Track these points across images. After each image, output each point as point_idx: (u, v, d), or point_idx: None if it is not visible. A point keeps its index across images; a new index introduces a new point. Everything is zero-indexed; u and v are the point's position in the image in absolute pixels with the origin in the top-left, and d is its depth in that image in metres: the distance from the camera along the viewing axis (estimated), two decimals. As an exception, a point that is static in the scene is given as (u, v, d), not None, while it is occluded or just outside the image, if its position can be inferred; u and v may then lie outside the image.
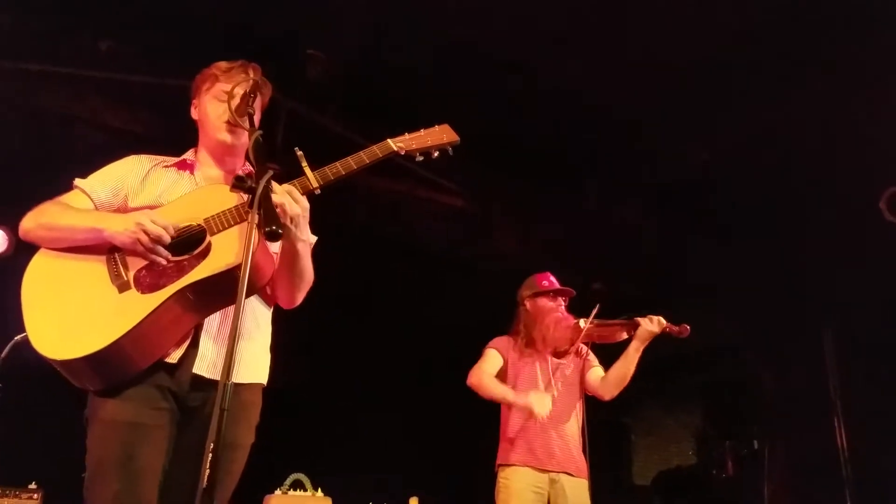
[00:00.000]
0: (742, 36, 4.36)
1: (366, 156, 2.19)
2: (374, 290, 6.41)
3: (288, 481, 4.89)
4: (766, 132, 5.16)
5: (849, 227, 5.61)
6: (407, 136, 2.28)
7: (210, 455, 1.67)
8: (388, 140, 2.24)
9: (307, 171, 2.12)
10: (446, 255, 6.04)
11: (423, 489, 6.33)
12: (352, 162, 2.17)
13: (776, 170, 5.44)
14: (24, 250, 2.22)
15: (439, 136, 2.32)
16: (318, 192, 2.12)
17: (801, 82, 4.69)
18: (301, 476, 4.92)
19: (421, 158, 2.30)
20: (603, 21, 4.37)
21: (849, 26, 4.20)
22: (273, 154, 2.05)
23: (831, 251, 5.85)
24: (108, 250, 2.12)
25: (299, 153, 2.14)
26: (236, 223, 2.09)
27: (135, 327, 1.97)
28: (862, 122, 4.88)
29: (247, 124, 2.15)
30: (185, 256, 2.06)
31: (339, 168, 2.16)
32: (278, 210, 1.95)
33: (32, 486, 4.56)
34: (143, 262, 2.08)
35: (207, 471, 1.67)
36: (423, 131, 2.32)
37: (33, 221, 2.19)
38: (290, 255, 2.17)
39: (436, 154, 2.32)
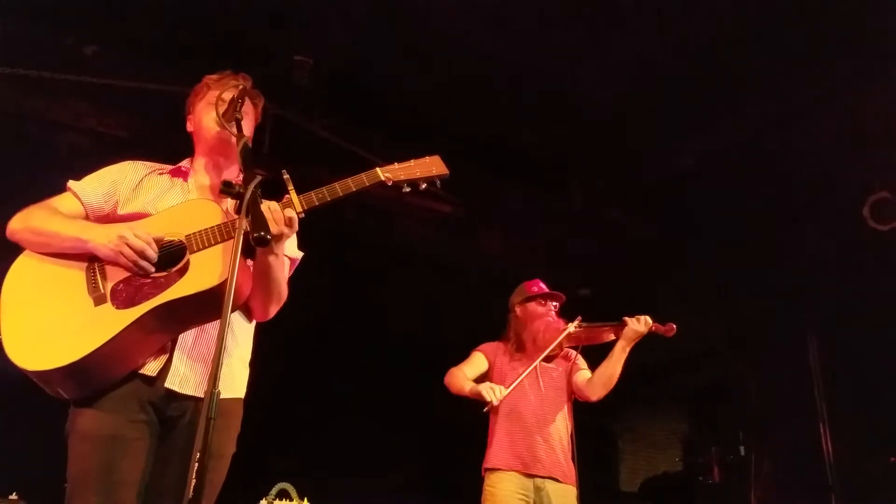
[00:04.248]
0: (728, 39, 4.39)
1: (353, 183, 2.19)
2: (360, 295, 6.38)
3: (273, 491, 4.84)
4: (751, 136, 5.20)
5: (833, 233, 5.65)
6: (396, 165, 2.28)
7: (196, 465, 1.65)
8: (377, 169, 2.25)
9: (293, 194, 2.12)
10: (432, 258, 6.03)
11: (410, 494, 6.31)
12: (338, 188, 2.18)
13: (762, 174, 5.48)
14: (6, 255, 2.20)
15: (428, 167, 2.31)
16: (302, 216, 2.13)
17: (787, 88, 4.73)
18: (287, 485, 4.88)
19: (408, 189, 2.29)
20: (588, 22, 4.39)
21: (835, 33, 4.24)
22: (259, 160, 2.05)
23: (816, 257, 5.89)
24: (89, 259, 2.13)
25: (286, 176, 2.14)
26: (217, 242, 2.09)
27: (107, 343, 1.98)
28: (847, 128, 4.93)
29: (234, 129, 2.14)
30: (163, 273, 2.07)
31: (325, 194, 2.16)
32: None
33: (13, 496, 4.49)
34: (122, 275, 2.09)
35: (193, 481, 1.65)
36: (412, 162, 2.31)
37: (21, 223, 2.19)
38: (262, 268, 2.17)
39: (423, 186, 2.31)
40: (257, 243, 1.84)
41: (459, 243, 5.97)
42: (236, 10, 4.30)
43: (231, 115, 2.17)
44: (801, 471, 6.14)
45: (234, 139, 2.18)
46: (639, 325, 3.79)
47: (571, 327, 3.88)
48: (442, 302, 6.38)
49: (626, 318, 3.83)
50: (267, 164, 4.11)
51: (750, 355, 6.71)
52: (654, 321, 3.82)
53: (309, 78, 4.66)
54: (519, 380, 3.75)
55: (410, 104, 5.00)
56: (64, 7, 4.23)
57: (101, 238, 2.07)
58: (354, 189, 2.19)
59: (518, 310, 4.06)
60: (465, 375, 3.85)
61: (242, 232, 1.86)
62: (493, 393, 3.62)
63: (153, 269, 2.06)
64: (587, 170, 5.91)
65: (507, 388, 3.69)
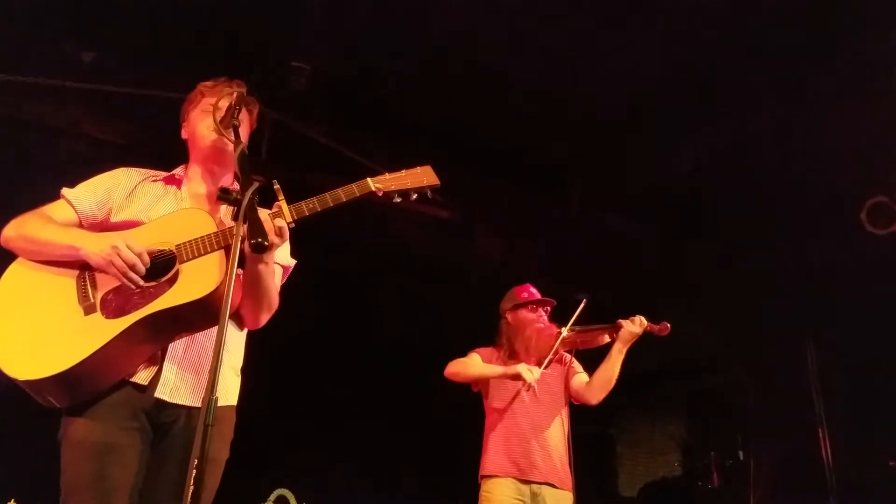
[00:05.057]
0: (728, 42, 4.40)
1: (343, 193, 2.20)
2: (357, 298, 6.38)
3: (272, 497, 4.85)
4: (749, 141, 5.20)
5: (832, 237, 5.66)
6: (387, 175, 2.29)
7: (193, 471, 1.65)
8: (368, 179, 2.25)
9: (283, 205, 2.13)
10: (430, 263, 6.02)
11: (409, 499, 6.30)
12: (329, 199, 2.19)
13: (760, 179, 5.48)
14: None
15: (419, 178, 2.32)
16: (292, 226, 2.13)
17: (786, 91, 4.74)
18: (285, 492, 4.88)
19: (399, 200, 2.29)
20: (588, 25, 4.40)
21: (834, 37, 4.25)
22: (257, 165, 2.05)
23: (814, 260, 5.89)
24: (81, 267, 2.13)
25: (276, 186, 2.14)
26: (208, 252, 2.09)
27: (96, 352, 1.98)
28: (845, 132, 4.93)
29: (232, 136, 2.15)
30: (153, 283, 2.07)
31: (315, 204, 2.17)
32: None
33: (12, 503, 4.48)
34: (112, 285, 2.09)
35: (191, 487, 1.65)
36: (403, 172, 2.32)
37: (14, 231, 2.20)
38: (252, 277, 2.17)
39: (414, 196, 2.31)
40: (255, 249, 1.85)
41: (458, 246, 5.97)
42: (234, 16, 4.30)
43: (228, 122, 2.17)
44: (800, 475, 6.14)
45: (229, 147, 2.18)
46: (634, 325, 3.80)
47: (565, 331, 3.87)
48: (440, 305, 6.38)
49: (621, 321, 3.83)
50: (264, 169, 4.11)
51: (748, 359, 6.70)
52: (647, 321, 3.84)
53: (307, 83, 4.66)
54: (547, 361, 3.78)
55: (408, 108, 5.01)
56: (62, 13, 4.23)
57: (94, 247, 2.07)
58: (345, 200, 2.20)
59: (509, 316, 4.04)
60: (475, 361, 3.84)
61: (240, 239, 1.86)
62: (531, 373, 3.64)
63: (142, 282, 2.06)
64: (586, 172, 5.91)
65: (541, 367, 3.72)
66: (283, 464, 5.68)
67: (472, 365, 3.85)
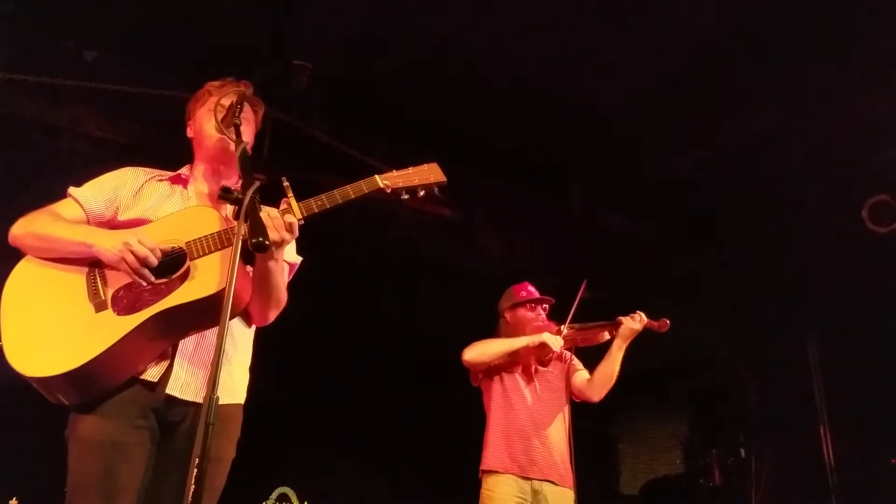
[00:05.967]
0: (728, 41, 4.40)
1: (352, 191, 2.21)
2: (358, 297, 6.39)
3: (274, 495, 4.85)
4: (751, 139, 5.21)
5: (833, 235, 5.66)
6: (394, 173, 2.30)
7: (195, 469, 1.66)
8: (376, 176, 2.26)
9: (293, 202, 2.13)
10: (431, 260, 6.03)
11: (411, 497, 6.31)
12: (338, 196, 2.19)
13: (762, 177, 5.49)
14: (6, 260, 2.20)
15: (426, 175, 2.33)
16: (301, 223, 2.14)
17: (786, 90, 4.74)
18: (287, 490, 4.88)
19: (406, 197, 2.30)
20: (588, 25, 4.40)
21: (835, 35, 4.25)
22: (259, 164, 2.06)
23: (816, 259, 5.89)
24: (90, 264, 2.13)
25: (286, 183, 2.15)
26: (217, 249, 2.10)
27: (108, 349, 1.99)
28: (847, 131, 4.93)
29: (233, 135, 2.15)
30: (164, 280, 2.08)
31: (324, 201, 2.17)
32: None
33: (14, 501, 4.49)
34: (123, 281, 2.09)
35: (193, 486, 1.66)
36: (411, 169, 2.33)
37: (23, 228, 2.19)
38: (262, 274, 2.18)
39: (421, 193, 2.33)
40: (256, 249, 1.85)
41: (459, 245, 5.98)
42: (236, 16, 4.31)
43: (230, 120, 2.18)
44: (802, 473, 6.14)
45: (233, 146, 2.19)
46: (633, 322, 3.83)
47: (564, 329, 3.89)
48: (440, 304, 6.39)
49: (620, 317, 3.85)
50: (267, 167, 4.12)
51: (750, 357, 6.71)
52: (647, 317, 3.86)
53: (308, 82, 4.66)
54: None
55: (410, 107, 5.01)
56: (64, 12, 4.24)
57: (106, 243, 2.07)
58: (354, 197, 2.21)
59: (508, 315, 4.06)
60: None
61: (241, 238, 1.86)
62: (556, 341, 3.72)
63: (153, 278, 2.06)
64: (587, 172, 5.92)
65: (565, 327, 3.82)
66: (285, 462, 5.69)
67: (494, 342, 3.85)
